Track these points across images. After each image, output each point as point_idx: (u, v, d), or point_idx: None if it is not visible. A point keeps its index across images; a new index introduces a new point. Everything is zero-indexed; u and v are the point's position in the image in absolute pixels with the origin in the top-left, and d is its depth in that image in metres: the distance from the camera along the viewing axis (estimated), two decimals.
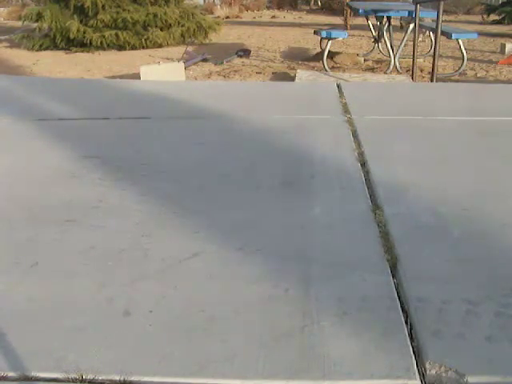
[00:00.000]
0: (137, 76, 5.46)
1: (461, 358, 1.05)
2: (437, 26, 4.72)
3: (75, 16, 8.45)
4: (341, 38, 6.52)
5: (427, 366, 1.04)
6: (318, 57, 6.63)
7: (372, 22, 6.98)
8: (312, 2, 19.40)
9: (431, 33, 6.57)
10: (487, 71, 6.24)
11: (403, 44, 6.00)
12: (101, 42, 8.23)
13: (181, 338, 1.12)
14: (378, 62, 6.77)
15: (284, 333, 1.13)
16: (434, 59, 4.82)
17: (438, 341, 1.10)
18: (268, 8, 18.38)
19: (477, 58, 7.22)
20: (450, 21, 12.01)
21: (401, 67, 5.98)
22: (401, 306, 1.22)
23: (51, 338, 1.11)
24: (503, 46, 7.52)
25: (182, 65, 5.85)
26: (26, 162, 2.18)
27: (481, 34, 8.69)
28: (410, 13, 5.73)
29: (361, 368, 1.03)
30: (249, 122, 2.76)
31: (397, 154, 2.25)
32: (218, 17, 13.03)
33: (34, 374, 1.02)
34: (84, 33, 8.24)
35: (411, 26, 5.75)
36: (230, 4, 16.74)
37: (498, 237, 1.55)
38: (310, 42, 8.94)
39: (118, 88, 3.73)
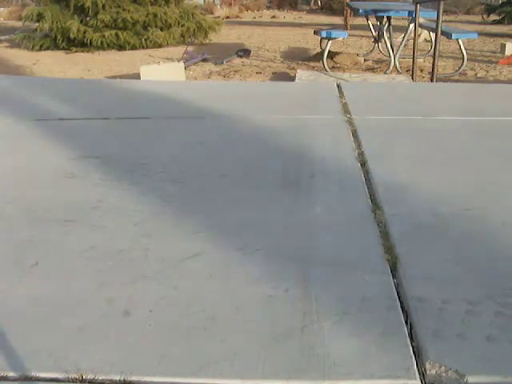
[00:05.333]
0: (137, 76, 5.47)
1: (461, 358, 1.05)
2: (437, 26, 4.72)
3: (75, 16, 8.45)
4: (341, 38, 6.52)
5: (427, 366, 1.04)
6: (318, 57, 6.63)
7: (372, 21, 6.98)
8: (312, 2, 19.41)
9: (431, 33, 6.57)
10: (487, 71, 6.24)
11: (403, 44, 6.00)
12: (101, 42, 8.24)
13: (181, 338, 1.12)
14: (378, 61, 6.77)
15: (284, 333, 1.13)
16: (434, 59, 4.82)
17: (438, 341, 1.10)
18: (268, 8, 18.38)
19: (477, 58, 7.22)
20: (450, 21, 12.02)
21: (401, 67, 5.98)
22: (401, 306, 1.22)
23: (51, 338, 1.11)
24: (503, 46, 7.52)
25: (181, 65, 5.85)
26: (26, 162, 2.18)
27: (481, 34, 8.69)
28: (409, 13, 5.73)
29: (361, 368, 1.03)
30: (249, 121, 2.76)
31: (397, 154, 2.25)
32: (218, 17, 13.03)
33: (34, 373, 1.02)
34: (84, 33, 8.24)
35: (411, 25, 5.75)
36: (230, 4, 16.74)
37: (498, 237, 1.55)
38: (310, 42, 8.94)
39: (118, 88, 3.73)
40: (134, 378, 1.01)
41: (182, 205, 1.76)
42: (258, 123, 2.73)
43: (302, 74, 5.74)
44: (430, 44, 7.09)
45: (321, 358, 1.05)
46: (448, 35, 5.66)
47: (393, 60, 5.87)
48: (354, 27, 10.85)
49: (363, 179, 1.96)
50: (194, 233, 1.56)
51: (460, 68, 5.90)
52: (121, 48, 8.42)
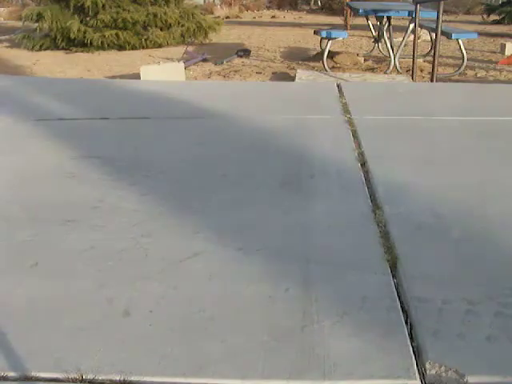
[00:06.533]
0: (137, 76, 5.46)
1: (461, 358, 1.05)
2: (437, 26, 4.71)
3: (75, 16, 8.45)
4: (341, 38, 6.51)
5: (427, 366, 1.04)
6: (318, 57, 6.62)
7: (372, 21, 6.97)
8: (312, 2, 19.39)
9: (431, 33, 6.57)
10: (487, 71, 6.23)
11: (403, 44, 6.00)
12: (101, 42, 8.23)
13: (181, 338, 1.12)
14: (378, 62, 6.76)
15: (284, 333, 1.13)
16: (433, 59, 4.82)
17: (438, 341, 1.10)
18: (268, 8, 18.37)
19: (477, 58, 7.21)
20: (450, 21, 12.01)
21: (401, 67, 5.98)
22: (401, 306, 1.22)
23: (51, 338, 1.11)
24: (503, 46, 7.51)
25: (181, 65, 5.84)
26: (26, 162, 2.18)
27: (481, 34, 8.68)
28: (409, 13, 5.72)
29: (361, 368, 1.03)
30: (249, 121, 2.76)
31: (397, 154, 2.25)
32: (218, 17, 13.01)
33: (34, 373, 1.02)
34: (84, 33, 8.24)
35: (411, 25, 5.75)
36: (230, 4, 16.73)
37: (497, 237, 1.55)
38: (310, 42, 8.94)
39: (118, 88, 3.73)
40: (133, 378, 1.01)
41: (182, 205, 1.76)
42: (258, 123, 2.73)
43: (302, 74, 5.74)
44: (430, 44, 7.09)
45: (321, 358, 1.05)
46: (448, 35, 5.65)
47: (393, 60, 5.86)
48: (354, 27, 10.84)
49: (363, 179, 1.96)
50: (194, 233, 1.56)
51: (460, 68, 5.90)
52: (121, 48, 8.41)
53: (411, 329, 1.15)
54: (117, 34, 8.34)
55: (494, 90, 4.09)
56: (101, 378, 1.01)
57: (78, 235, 1.55)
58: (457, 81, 5.65)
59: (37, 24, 8.52)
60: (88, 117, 2.88)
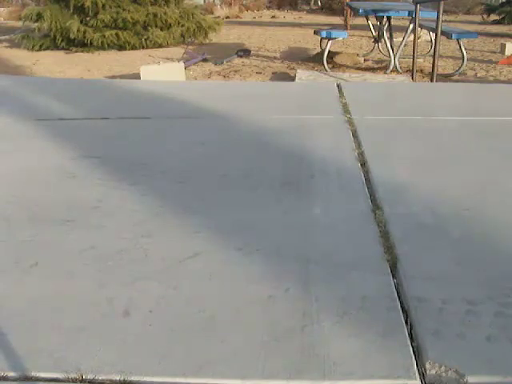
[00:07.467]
0: (137, 76, 5.46)
1: (461, 358, 1.05)
2: (437, 26, 4.72)
3: (75, 16, 8.45)
4: (341, 38, 6.52)
5: (427, 366, 1.04)
6: (318, 57, 6.62)
7: (372, 21, 6.97)
8: (312, 2, 19.39)
9: (431, 33, 6.57)
10: (487, 71, 6.23)
11: (403, 44, 6.00)
12: (101, 42, 8.23)
13: (181, 338, 1.12)
14: (378, 62, 6.76)
15: (284, 333, 1.13)
16: (434, 59, 4.82)
17: (438, 341, 1.10)
18: (268, 8, 18.37)
19: (477, 58, 7.21)
20: (450, 21, 12.00)
21: (401, 67, 5.98)
22: (401, 306, 1.22)
23: (51, 338, 1.11)
24: (503, 46, 7.51)
25: (182, 65, 5.84)
26: (26, 161, 2.18)
27: (481, 34, 8.69)
28: (409, 13, 5.72)
29: (361, 368, 1.03)
30: (249, 122, 2.76)
31: (397, 153, 2.25)
32: (218, 17, 13.01)
33: (34, 373, 1.02)
34: (84, 33, 8.24)
35: (411, 25, 5.75)
36: (230, 4, 16.73)
37: (498, 237, 1.55)
38: (310, 42, 8.94)
39: (117, 88, 3.73)
40: (133, 378, 1.01)
41: (182, 205, 1.76)
42: (258, 123, 2.73)
43: (302, 74, 5.74)
44: (430, 44, 7.09)
45: (321, 358, 1.05)
46: (448, 35, 5.66)
47: (393, 60, 5.86)
48: (354, 27, 10.84)
49: (363, 179, 1.96)
50: (194, 233, 1.56)
51: (460, 68, 5.90)
52: (121, 48, 8.41)
53: (411, 329, 1.15)
54: (117, 34, 8.34)
55: (494, 89, 4.09)
56: (101, 377, 1.01)
57: (77, 235, 1.55)
58: (457, 81, 5.65)
59: (36, 24, 8.53)
60: (88, 117, 2.88)
